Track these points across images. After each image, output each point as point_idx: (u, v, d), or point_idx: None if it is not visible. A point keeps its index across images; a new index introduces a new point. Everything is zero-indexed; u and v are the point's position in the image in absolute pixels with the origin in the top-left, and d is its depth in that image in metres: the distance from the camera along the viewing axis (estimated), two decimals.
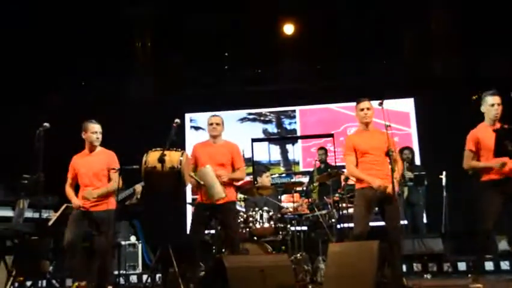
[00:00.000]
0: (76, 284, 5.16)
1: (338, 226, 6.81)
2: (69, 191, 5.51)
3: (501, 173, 4.96)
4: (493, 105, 5.04)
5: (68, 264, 5.30)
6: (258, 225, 6.46)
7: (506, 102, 4.73)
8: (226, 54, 10.97)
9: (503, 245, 7.62)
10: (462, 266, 7.32)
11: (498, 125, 5.02)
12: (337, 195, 6.93)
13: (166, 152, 4.64)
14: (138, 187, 6.19)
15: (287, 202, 7.24)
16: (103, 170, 5.47)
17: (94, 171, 5.44)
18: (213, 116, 5.64)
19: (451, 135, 5.83)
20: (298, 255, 6.24)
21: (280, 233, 6.61)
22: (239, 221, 6.51)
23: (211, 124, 5.54)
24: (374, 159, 5.07)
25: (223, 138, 5.67)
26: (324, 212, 6.87)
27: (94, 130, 5.47)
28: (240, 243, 5.57)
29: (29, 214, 6.81)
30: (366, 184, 5.02)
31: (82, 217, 5.34)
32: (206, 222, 5.55)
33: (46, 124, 5.31)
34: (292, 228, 6.67)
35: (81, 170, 5.47)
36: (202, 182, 5.17)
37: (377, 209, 5.14)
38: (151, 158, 4.67)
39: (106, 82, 11.01)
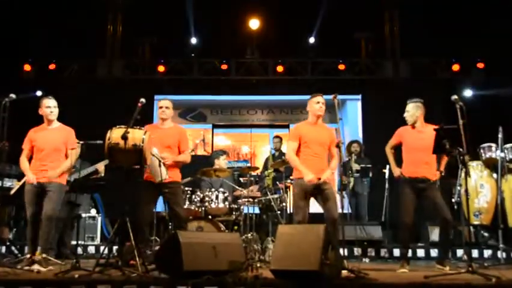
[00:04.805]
0: (38, 252, 5.01)
1: (288, 210, 6.83)
2: (25, 164, 5.31)
3: (418, 173, 5.20)
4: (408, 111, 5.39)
5: (30, 235, 5.13)
6: (213, 205, 6.44)
7: (449, 103, 4.82)
8: (193, 42, 10.84)
9: (434, 235, 7.82)
10: (397, 252, 7.45)
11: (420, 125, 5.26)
12: (289, 181, 6.94)
13: (129, 130, 4.50)
14: (100, 166, 6.04)
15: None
16: (62, 145, 5.33)
17: (54, 146, 5.29)
18: (163, 99, 5.51)
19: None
20: (249, 235, 6.23)
21: (234, 213, 6.60)
22: (196, 200, 6.46)
23: (161, 107, 5.43)
24: (314, 152, 5.07)
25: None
26: (276, 196, 6.87)
27: (48, 105, 5.34)
28: (186, 220, 5.48)
29: None
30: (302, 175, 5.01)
31: (38, 190, 5.20)
32: (153, 200, 5.40)
33: (12, 95, 5.09)
34: (245, 210, 6.65)
35: (39, 144, 5.29)
36: (163, 161, 5.07)
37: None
38: (115, 134, 4.53)
39: (77, 61, 10.74)
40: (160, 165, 5.05)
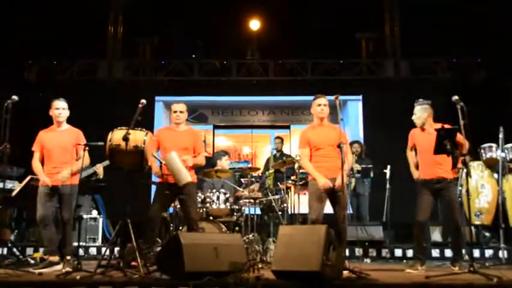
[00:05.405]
0: (40, 254, 5.05)
1: (290, 211, 6.84)
2: (38, 166, 5.29)
3: (432, 174, 5.23)
4: (415, 114, 5.42)
5: (38, 237, 5.14)
6: (214, 206, 6.43)
7: (450, 104, 4.82)
8: (195, 43, 10.87)
9: (435, 235, 7.82)
10: (398, 252, 7.46)
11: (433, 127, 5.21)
12: (290, 181, 6.95)
13: (130, 131, 4.50)
14: (99, 167, 6.04)
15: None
16: (71, 146, 5.31)
17: (63, 147, 5.28)
18: (177, 103, 5.49)
19: (397, 132, 5.91)
20: (251, 236, 6.23)
21: (235, 214, 6.60)
22: (197, 200, 6.46)
23: (175, 112, 5.41)
24: (325, 153, 5.06)
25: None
26: (277, 197, 6.88)
27: (57, 107, 5.32)
28: (198, 222, 5.50)
29: None
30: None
31: (51, 192, 5.19)
32: (168, 201, 5.45)
33: (14, 97, 5.10)
34: (247, 211, 6.65)
35: (48, 145, 5.29)
36: (164, 162, 5.06)
37: None
38: (116, 136, 4.54)
39: (78, 62, 10.76)
40: (181, 168, 5.03)
